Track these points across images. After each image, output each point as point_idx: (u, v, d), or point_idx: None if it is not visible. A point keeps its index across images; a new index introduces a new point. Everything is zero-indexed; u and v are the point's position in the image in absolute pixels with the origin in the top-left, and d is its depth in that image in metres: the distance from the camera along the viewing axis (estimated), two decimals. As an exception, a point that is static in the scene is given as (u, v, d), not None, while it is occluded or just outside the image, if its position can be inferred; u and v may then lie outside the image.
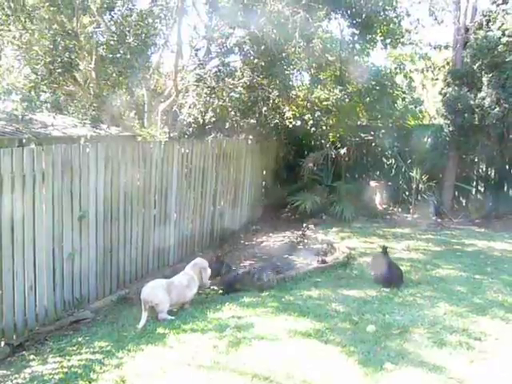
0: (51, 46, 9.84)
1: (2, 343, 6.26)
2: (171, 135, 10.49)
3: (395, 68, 16.33)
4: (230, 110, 11.56)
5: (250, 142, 13.04)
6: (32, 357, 5.98)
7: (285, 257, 10.27)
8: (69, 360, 5.77)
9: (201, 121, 10.84)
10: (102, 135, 10.49)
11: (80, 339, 6.40)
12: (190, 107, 10.55)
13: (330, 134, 14.57)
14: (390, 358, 5.35)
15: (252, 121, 12.81)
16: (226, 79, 11.16)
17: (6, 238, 6.22)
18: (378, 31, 13.55)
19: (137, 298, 7.58)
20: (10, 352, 6.15)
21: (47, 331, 6.68)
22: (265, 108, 12.55)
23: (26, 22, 9.68)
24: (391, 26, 13.65)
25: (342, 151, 14.87)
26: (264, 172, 14.40)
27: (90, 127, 10.67)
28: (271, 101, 12.48)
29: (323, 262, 9.57)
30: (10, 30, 9.71)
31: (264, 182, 14.50)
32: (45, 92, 10.42)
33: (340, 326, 6.32)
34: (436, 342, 5.76)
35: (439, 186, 14.43)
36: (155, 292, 6.86)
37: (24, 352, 6.16)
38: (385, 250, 8.41)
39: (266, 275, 8.18)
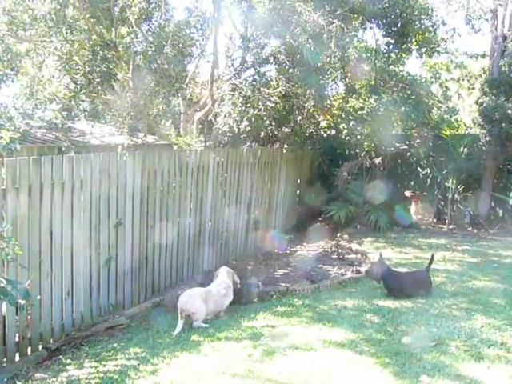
0: (90, 57, 10.02)
1: (40, 347, 6.37)
2: (207, 144, 10.57)
3: (430, 77, 16.20)
4: (265, 119, 11.58)
5: (284, 151, 13.05)
6: (68, 361, 6.05)
7: (319, 266, 10.23)
8: (104, 365, 5.83)
9: (236, 130, 10.88)
10: (139, 143, 10.62)
11: (115, 345, 6.47)
12: (225, 116, 10.60)
13: (365, 143, 14.49)
14: (426, 371, 5.27)
15: (287, 130, 12.84)
16: (262, 89, 11.20)
17: (44, 244, 6.33)
18: (414, 40, 13.47)
19: (171, 304, 7.66)
20: (48, 356, 6.25)
21: (83, 336, 6.77)
22: (300, 117, 12.56)
23: (66, 33, 9.88)
24: (427, 34, 13.55)
25: (377, 161, 14.78)
26: (298, 181, 14.40)
27: (127, 136, 10.81)
28: (306, 110, 12.48)
29: (358, 272, 9.52)
30: (51, 42, 9.92)
31: (298, 191, 14.48)
32: (84, 101, 10.60)
33: (375, 336, 6.27)
34: (473, 355, 5.63)
35: (475, 196, 14.20)
36: (192, 301, 6.89)
37: (61, 356, 6.24)
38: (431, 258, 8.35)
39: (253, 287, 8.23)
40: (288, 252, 11.66)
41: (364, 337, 6.23)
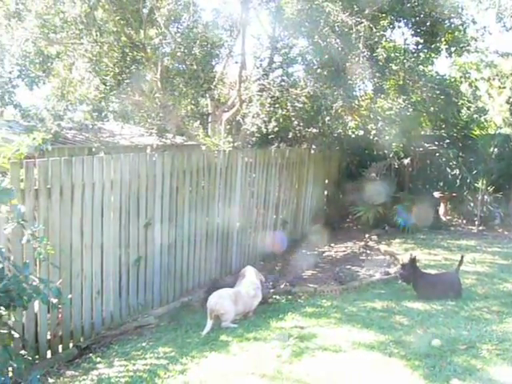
0: (120, 58, 10.12)
1: (71, 345, 6.45)
2: (235, 144, 10.58)
3: (460, 76, 16.00)
4: (293, 119, 11.56)
5: (312, 151, 13.02)
6: (98, 359, 6.13)
7: (347, 267, 10.18)
8: (134, 364, 5.89)
9: (264, 130, 10.86)
10: (168, 144, 10.68)
11: (144, 344, 6.53)
12: (253, 117, 10.59)
13: (393, 143, 14.38)
14: (457, 374, 5.21)
15: (315, 130, 12.78)
16: (290, 89, 11.17)
17: (75, 244, 6.41)
18: (443, 39, 13.30)
19: (199, 304, 7.70)
20: (78, 354, 6.33)
21: (112, 335, 6.84)
22: (328, 117, 12.49)
23: (96, 35, 9.98)
24: (456, 33, 13.36)
25: (406, 161, 14.66)
26: (326, 181, 14.35)
27: (156, 136, 10.89)
28: (334, 110, 12.41)
29: (386, 273, 9.47)
30: (82, 44, 10.04)
31: (326, 192, 14.43)
32: (113, 102, 10.71)
33: (404, 338, 6.22)
34: (505, 359, 5.54)
35: (506, 197, 14.00)
36: (222, 302, 6.92)
37: (91, 354, 6.32)
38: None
39: None
40: (316, 253, 11.62)
41: (393, 339, 6.19)
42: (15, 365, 4.53)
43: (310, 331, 6.51)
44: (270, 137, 11.78)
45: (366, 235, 12.42)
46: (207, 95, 11.66)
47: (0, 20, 10.18)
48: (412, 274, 8.07)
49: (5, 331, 4.93)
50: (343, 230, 13.63)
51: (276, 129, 11.56)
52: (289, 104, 10.98)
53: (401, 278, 8.36)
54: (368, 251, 11.24)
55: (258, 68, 11.29)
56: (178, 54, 10.21)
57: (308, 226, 12.97)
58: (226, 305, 6.93)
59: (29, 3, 10.03)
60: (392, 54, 12.52)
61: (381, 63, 11.15)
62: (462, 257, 8.31)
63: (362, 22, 10.32)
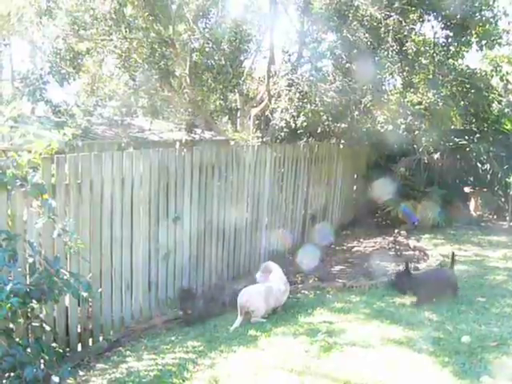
0: (149, 54, 10.18)
1: (101, 338, 6.52)
2: (263, 139, 10.58)
3: (491, 70, 15.73)
4: (321, 114, 11.50)
5: (341, 146, 12.95)
6: (128, 353, 6.18)
7: (376, 262, 10.11)
8: (163, 358, 5.93)
9: (293, 125, 10.84)
10: (197, 139, 10.73)
11: (173, 338, 6.58)
12: (282, 112, 10.58)
13: (423, 138, 14.23)
14: (488, 371, 5.14)
15: (343, 125, 12.69)
16: (318, 84, 11.13)
17: (105, 238, 6.47)
18: (474, 32, 13.09)
19: (228, 299, 7.70)
20: (108, 347, 6.39)
21: (141, 329, 6.91)
22: (356, 112, 12.42)
23: (125, 31, 10.06)
24: (487, 26, 13.12)
25: (435, 156, 14.49)
26: (355, 176, 14.26)
27: (185, 131, 10.95)
28: (363, 105, 12.33)
29: (416, 269, 9.37)
30: (111, 40, 10.12)
31: (355, 187, 14.35)
32: (142, 98, 10.78)
33: (433, 335, 6.16)
34: (537, 356, 5.46)
35: (539, 192, 13.78)
36: (253, 299, 6.92)
37: (120, 348, 6.38)
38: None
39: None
40: (345, 248, 11.57)
41: (423, 335, 6.13)
42: (47, 357, 4.60)
43: (339, 326, 6.48)
44: (298, 132, 11.74)
45: (396, 230, 12.30)
46: (236, 90, 11.68)
47: (32, 18, 10.32)
48: (408, 282, 7.56)
49: (37, 324, 5.02)
50: (372, 225, 13.49)
51: (304, 124, 11.50)
52: (317, 99, 10.93)
53: (396, 289, 7.83)
54: (397, 246, 11.12)
55: (286, 63, 11.27)
56: (207, 49, 10.26)
57: (337, 221, 12.91)
58: (257, 302, 6.93)
59: (60, 1, 10.15)
60: (421, 48, 12.36)
61: (410, 57, 11.06)
62: (453, 253, 7.98)
63: (390, 16, 10.24)
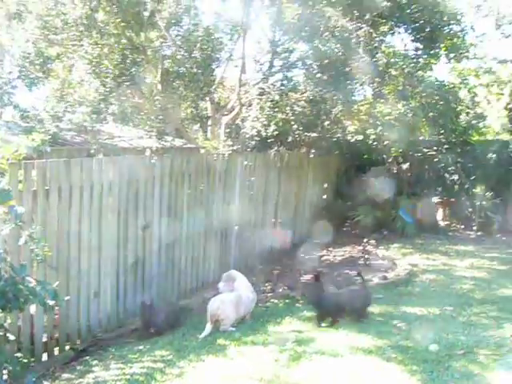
0: (120, 60, 10.09)
1: (67, 347, 6.43)
2: (234, 148, 10.56)
3: (459, 82, 16.03)
4: (292, 123, 11.57)
5: (311, 155, 13.02)
6: (95, 362, 6.11)
7: (346, 272, 10.16)
8: (130, 367, 5.86)
9: (263, 134, 10.88)
10: (167, 147, 10.66)
11: (141, 347, 6.51)
12: (252, 120, 10.59)
13: (392, 148, 14.40)
14: (455, 379, 5.21)
15: (314, 134, 12.79)
16: (289, 93, 11.19)
17: (73, 246, 6.40)
18: (442, 45, 13.33)
19: (197, 308, 7.68)
20: (74, 356, 6.31)
21: (109, 338, 6.85)
22: (327, 122, 12.52)
23: (97, 37, 9.97)
24: (455, 40, 13.40)
25: (404, 166, 14.68)
26: (325, 186, 14.33)
27: (155, 139, 10.87)
28: (333, 115, 12.43)
29: (384, 278, 9.46)
30: (82, 45, 10.02)
31: (325, 196, 14.42)
32: (113, 104, 10.68)
33: (402, 343, 6.20)
34: (503, 365, 5.53)
35: (504, 203, 14.02)
36: (224, 307, 6.89)
37: (87, 357, 6.31)
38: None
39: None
40: (314, 257, 11.59)
41: (391, 343, 6.17)
42: (10, 367, 4.52)
43: (308, 335, 6.49)
44: (269, 140, 11.79)
45: (365, 239, 12.40)
46: (207, 98, 11.66)
47: (0, 21, 10.17)
48: (316, 293, 7.22)
49: (0, 333, 4.92)
50: (342, 234, 13.59)
51: (275, 133, 11.57)
52: (288, 108, 11.01)
53: (306, 299, 7.60)
54: (366, 256, 11.19)
55: (257, 72, 11.31)
56: (179, 56, 10.21)
57: (307, 230, 12.94)
58: (228, 310, 6.90)
59: (30, 4, 10.02)
60: (392, 60, 12.51)
61: (380, 68, 11.18)
62: (360, 272, 7.83)
63: (362, 28, 10.36)
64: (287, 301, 8.27)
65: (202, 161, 8.79)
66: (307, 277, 9.11)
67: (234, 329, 6.89)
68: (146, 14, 10.29)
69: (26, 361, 5.57)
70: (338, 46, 10.30)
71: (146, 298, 7.28)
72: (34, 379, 4.54)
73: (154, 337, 6.83)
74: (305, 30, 10.54)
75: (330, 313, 7.05)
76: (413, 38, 12.72)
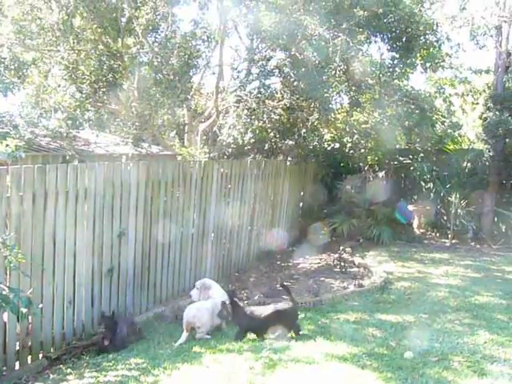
0: (96, 66, 10.07)
1: (41, 355, 6.34)
2: (211, 155, 10.58)
3: (435, 92, 16.25)
4: (269, 131, 11.63)
5: (288, 163, 13.06)
6: (69, 370, 6.04)
7: (321, 279, 10.20)
8: (105, 375, 5.80)
9: (240, 141, 10.93)
10: (144, 154, 10.63)
11: (116, 355, 6.44)
12: (229, 128, 10.64)
13: (369, 157, 14.53)
14: (428, 386, 5.24)
15: (291, 142, 12.85)
16: (266, 101, 11.23)
17: (47, 252, 6.33)
18: (418, 55, 13.52)
19: (173, 315, 7.66)
20: (48, 365, 6.23)
21: (84, 346, 6.76)
22: (304, 130, 12.59)
23: (73, 43, 9.92)
24: (431, 49, 13.63)
25: (380, 174, 14.79)
26: (302, 193, 14.39)
27: (131, 146, 10.83)
28: (310, 123, 12.50)
29: (360, 285, 9.50)
30: (58, 51, 9.96)
31: (301, 204, 14.47)
32: (89, 110, 10.62)
33: (377, 351, 6.23)
34: (476, 371, 5.59)
35: (478, 211, 14.23)
36: (200, 315, 6.87)
37: (61, 365, 6.24)
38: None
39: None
40: (291, 264, 11.63)
41: (366, 351, 6.19)
42: (-19, 376, 4.46)
43: (284, 343, 6.48)
44: (246, 148, 11.83)
45: (341, 247, 12.47)
46: (184, 105, 11.64)
47: (-26, 25, 10.06)
48: (233, 312, 6.92)
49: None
50: (318, 241, 13.63)
51: (252, 140, 11.61)
52: (265, 116, 11.05)
53: (222, 319, 7.18)
54: (342, 263, 11.24)
55: (235, 79, 11.34)
56: (156, 63, 10.18)
57: (283, 238, 12.97)
58: (204, 318, 6.89)
59: (5, 9, 9.93)
60: (368, 69, 12.64)
61: (357, 77, 11.28)
62: (284, 284, 7.58)
63: (338, 36, 10.43)
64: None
65: (179, 168, 8.76)
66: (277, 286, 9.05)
67: (209, 336, 6.87)
68: (124, 20, 10.29)
69: (-3, 369, 5.49)
70: (315, 54, 10.37)
71: (105, 310, 7.17)
72: (5, 388, 4.48)
73: (112, 351, 6.58)
74: (282, 38, 10.60)
75: (251, 330, 6.83)
76: (389, 47, 12.89)
